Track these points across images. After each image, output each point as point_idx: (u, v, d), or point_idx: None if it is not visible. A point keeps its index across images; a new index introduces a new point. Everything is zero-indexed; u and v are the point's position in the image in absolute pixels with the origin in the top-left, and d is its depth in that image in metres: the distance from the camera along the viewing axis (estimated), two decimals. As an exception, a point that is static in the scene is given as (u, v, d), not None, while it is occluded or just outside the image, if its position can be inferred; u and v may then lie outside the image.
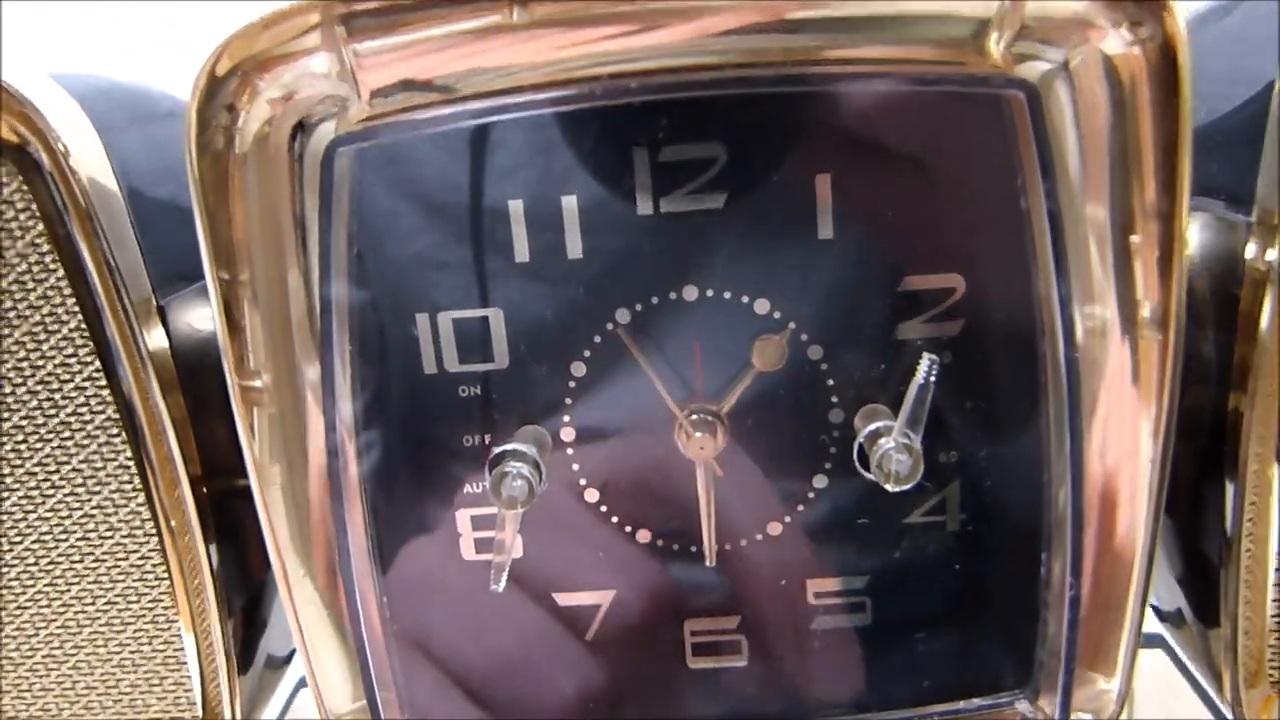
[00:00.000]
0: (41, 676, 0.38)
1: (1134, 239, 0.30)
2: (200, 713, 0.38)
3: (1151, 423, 0.31)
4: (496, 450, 0.31)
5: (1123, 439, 0.31)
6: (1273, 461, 0.33)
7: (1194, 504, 0.37)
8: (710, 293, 0.32)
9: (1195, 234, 0.36)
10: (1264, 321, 0.31)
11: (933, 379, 0.29)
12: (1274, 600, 0.35)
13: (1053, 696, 0.35)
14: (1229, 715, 0.38)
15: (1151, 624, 0.43)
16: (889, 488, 0.30)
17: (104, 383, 0.34)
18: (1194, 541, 0.38)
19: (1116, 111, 0.28)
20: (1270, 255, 0.31)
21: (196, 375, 0.35)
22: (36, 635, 0.38)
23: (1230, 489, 0.34)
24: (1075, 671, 0.34)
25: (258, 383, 0.31)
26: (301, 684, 0.58)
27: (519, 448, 0.31)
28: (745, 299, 0.32)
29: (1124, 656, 0.34)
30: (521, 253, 0.32)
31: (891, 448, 0.29)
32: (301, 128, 0.29)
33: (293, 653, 0.43)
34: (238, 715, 0.37)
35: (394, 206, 0.32)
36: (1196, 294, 0.35)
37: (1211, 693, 0.40)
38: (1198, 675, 0.44)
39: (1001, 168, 0.30)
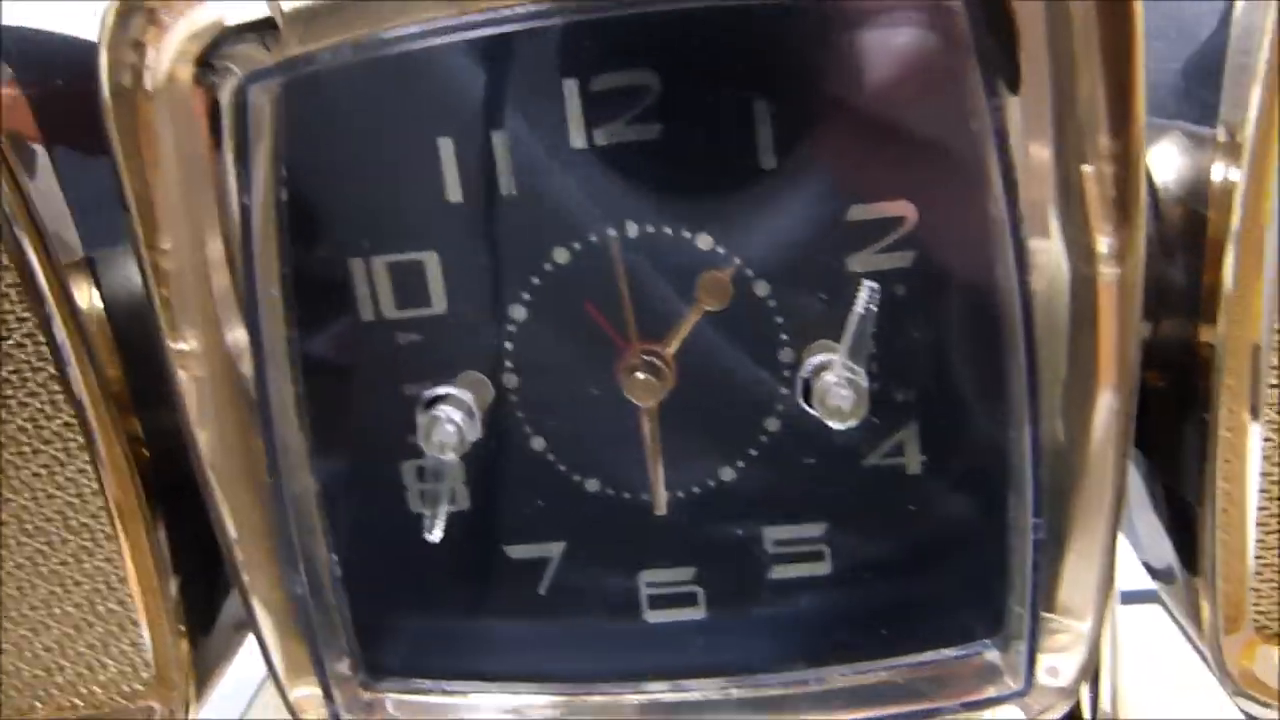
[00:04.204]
0: (-1, 639, 0.38)
1: (1085, 169, 0.28)
2: (154, 673, 0.38)
3: (1113, 357, 0.30)
4: (428, 395, 0.30)
5: (1084, 375, 0.30)
6: (1245, 396, 0.31)
7: (1175, 445, 0.36)
8: (651, 229, 0.31)
9: (1170, 157, 0.34)
10: (1230, 248, 0.30)
11: (873, 308, 0.28)
12: (1256, 541, 0.34)
13: (1021, 644, 0.33)
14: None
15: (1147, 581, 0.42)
16: (833, 425, 0.29)
17: (42, 339, 0.34)
18: (1176, 485, 0.36)
19: (1059, 22, 0.26)
20: (1234, 174, 0.29)
21: (135, 332, 0.35)
22: (-8, 599, 0.37)
23: (1203, 427, 0.32)
24: (1040, 617, 0.32)
25: (185, 345, 0.31)
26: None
27: (452, 392, 0.30)
28: (687, 234, 0.31)
29: (1094, 601, 0.32)
30: (454, 192, 0.31)
31: (834, 382, 0.28)
32: (212, 66, 0.28)
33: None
34: (187, 677, 0.37)
35: (320, 147, 0.31)
36: (1169, 221, 0.34)
37: (1199, 644, 0.38)
38: (1187, 629, 0.43)
39: (948, 86, 0.28)
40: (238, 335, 0.31)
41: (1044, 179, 0.28)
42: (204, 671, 0.39)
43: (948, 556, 0.34)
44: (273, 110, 0.30)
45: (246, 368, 0.32)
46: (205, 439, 0.33)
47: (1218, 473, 0.32)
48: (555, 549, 0.34)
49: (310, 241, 0.31)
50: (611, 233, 0.31)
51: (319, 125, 0.30)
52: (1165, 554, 0.39)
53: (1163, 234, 0.34)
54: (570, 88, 0.29)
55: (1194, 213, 0.33)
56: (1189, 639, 0.53)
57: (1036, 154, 0.27)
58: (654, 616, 0.35)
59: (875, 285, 0.28)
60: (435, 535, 0.30)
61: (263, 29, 0.28)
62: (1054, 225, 0.28)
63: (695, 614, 0.35)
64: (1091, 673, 0.34)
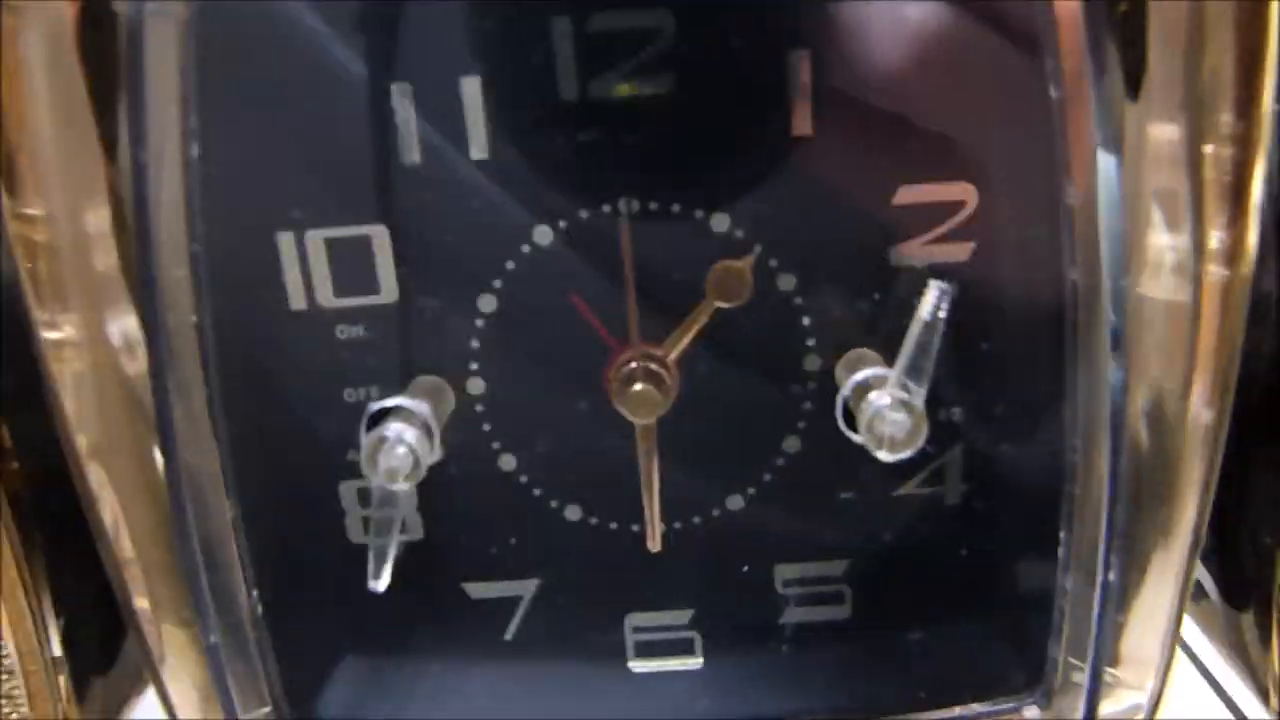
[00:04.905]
0: None
1: (1206, 149, 0.24)
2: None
3: (1209, 377, 0.26)
4: (374, 408, 0.26)
5: (1175, 389, 0.26)
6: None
7: (1238, 468, 0.32)
8: (654, 205, 0.27)
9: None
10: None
11: (941, 314, 0.23)
12: (1333, 585, 0.30)
13: (1070, 700, 0.30)
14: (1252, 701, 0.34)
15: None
16: (882, 455, 0.25)
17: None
18: (1233, 510, 0.33)
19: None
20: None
21: (6, 317, 0.29)
22: None
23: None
24: (1102, 673, 0.29)
25: (60, 333, 0.25)
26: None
27: (403, 404, 0.26)
28: (699, 214, 0.27)
29: (1160, 654, 0.29)
30: (410, 152, 0.26)
31: (886, 404, 0.24)
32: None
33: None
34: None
35: (242, 90, 0.25)
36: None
37: (1236, 679, 0.36)
38: (1218, 656, 0.40)
39: (1027, 45, 0.24)
40: (127, 323, 0.26)
41: (1156, 161, 0.24)
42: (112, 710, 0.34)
43: (985, 600, 0.31)
44: (181, 39, 0.24)
45: (139, 364, 0.26)
46: (86, 446, 0.27)
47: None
48: (526, 587, 0.31)
49: (227, 209, 0.27)
50: (606, 209, 0.27)
51: (241, 62, 0.25)
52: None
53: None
54: (561, 27, 0.25)
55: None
56: (1194, 660, 0.51)
57: (1150, 133, 0.23)
58: (641, 666, 0.31)
59: (945, 286, 0.23)
60: (381, 583, 0.25)
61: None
62: (1156, 216, 0.24)
63: (691, 663, 0.31)
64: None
